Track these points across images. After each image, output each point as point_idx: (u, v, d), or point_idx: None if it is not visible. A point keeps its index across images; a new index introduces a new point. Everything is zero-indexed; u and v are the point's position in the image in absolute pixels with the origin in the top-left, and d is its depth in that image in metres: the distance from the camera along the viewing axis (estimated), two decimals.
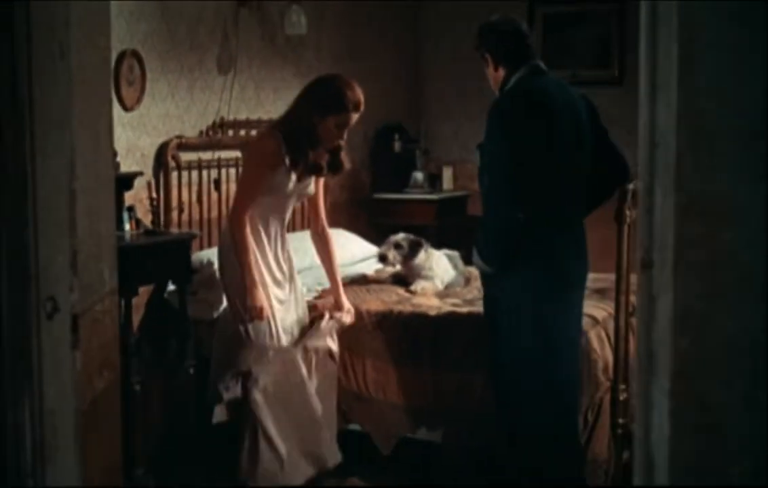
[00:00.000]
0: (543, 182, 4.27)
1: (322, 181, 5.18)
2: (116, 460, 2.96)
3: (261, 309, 4.84)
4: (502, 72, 4.45)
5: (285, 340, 4.96)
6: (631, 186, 4.66)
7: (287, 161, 4.82)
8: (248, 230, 4.83)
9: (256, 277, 4.85)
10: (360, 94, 4.90)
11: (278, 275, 5.02)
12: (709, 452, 1.79)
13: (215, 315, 5.56)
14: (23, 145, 2.30)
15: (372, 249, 6.78)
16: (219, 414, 5.19)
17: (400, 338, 5.19)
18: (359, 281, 5.99)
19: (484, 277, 4.57)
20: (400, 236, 5.81)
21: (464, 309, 5.28)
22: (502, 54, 4.46)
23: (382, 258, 5.82)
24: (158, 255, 5.13)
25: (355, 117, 4.92)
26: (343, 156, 5.09)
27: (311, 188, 5.09)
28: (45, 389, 2.37)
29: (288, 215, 5.09)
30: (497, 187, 4.26)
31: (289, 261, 5.10)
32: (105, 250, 2.85)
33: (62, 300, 2.42)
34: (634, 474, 1.92)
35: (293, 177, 4.89)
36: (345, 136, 4.97)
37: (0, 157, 2.30)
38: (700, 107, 1.78)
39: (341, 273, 5.54)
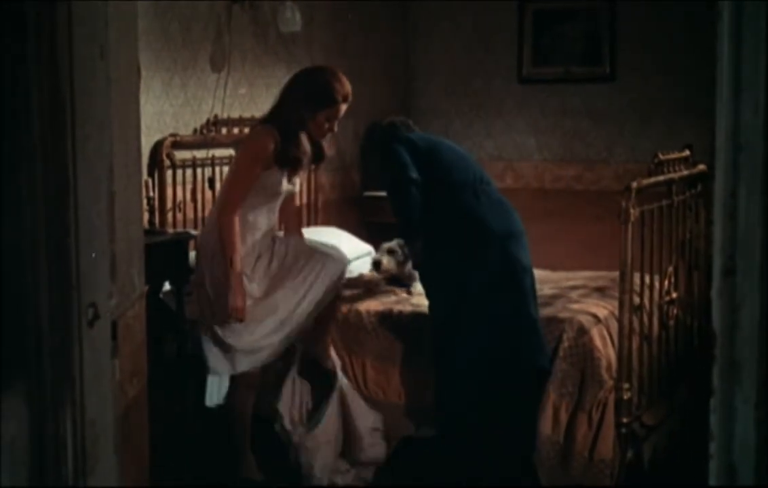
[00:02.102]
0: None
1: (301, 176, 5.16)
2: (146, 468, 2.91)
3: (242, 311, 4.75)
4: None
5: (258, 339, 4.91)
6: (634, 184, 4.66)
7: (282, 160, 4.76)
8: (237, 229, 4.73)
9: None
10: (348, 84, 4.85)
11: (260, 273, 4.92)
12: None
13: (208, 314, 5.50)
14: (65, 148, 2.23)
15: (364, 248, 6.73)
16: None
17: (400, 338, 5.18)
18: (356, 280, 5.95)
19: None
20: (394, 243, 5.75)
21: None
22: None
23: (377, 265, 5.75)
24: (155, 255, 5.04)
25: (344, 108, 4.86)
26: (325, 145, 5.02)
27: (296, 187, 5.06)
28: (86, 399, 2.30)
29: (271, 219, 4.97)
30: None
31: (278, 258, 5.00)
32: (135, 254, 2.79)
33: (103, 307, 2.35)
34: None
35: (285, 176, 4.85)
36: (336, 128, 4.91)
37: (40, 161, 2.22)
38: None
39: None
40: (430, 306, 5.08)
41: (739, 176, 1.82)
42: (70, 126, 2.26)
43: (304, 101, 4.81)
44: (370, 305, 5.37)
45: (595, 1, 7.56)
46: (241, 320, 4.76)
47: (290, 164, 4.79)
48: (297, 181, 5.01)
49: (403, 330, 5.19)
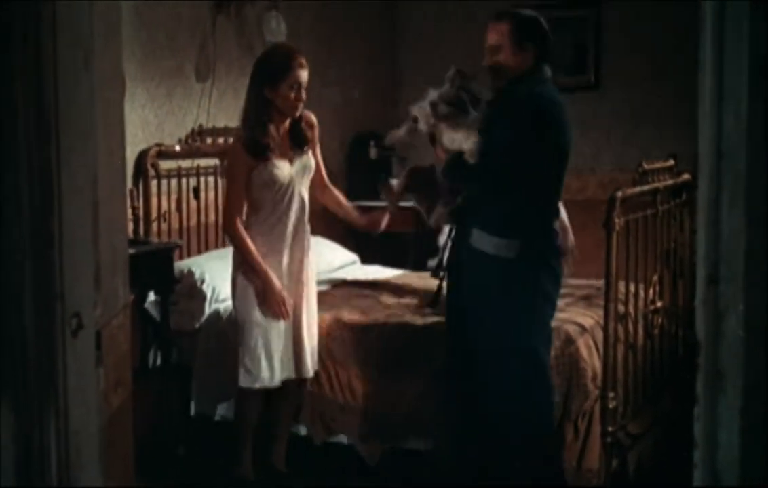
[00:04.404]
0: (553, 188, 4.57)
1: (317, 151, 5.09)
2: (131, 477, 2.90)
3: (283, 302, 4.82)
4: (524, 64, 4.54)
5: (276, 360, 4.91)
6: (619, 193, 4.67)
7: (253, 151, 4.78)
8: (242, 232, 4.79)
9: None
10: (296, 49, 4.97)
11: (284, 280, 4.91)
12: None
13: (197, 325, 5.50)
14: (49, 158, 2.22)
15: (350, 257, 6.75)
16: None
17: (383, 350, 5.18)
18: (339, 286, 5.96)
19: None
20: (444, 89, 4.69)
21: None
22: (540, 51, 4.57)
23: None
24: (141, 266, 5.05)
25: (303, 74, 4.85)
26: (304, 123, 4.98)
27: (309, 163, 4.99)
28: (70, 409, 2.29)
29: (297, 206, 4.92)
30: (509, 175, 4.39)
31: (300, 265, 4.98)
32: (119, 264, 2.78)
33: (87, 317, 2.35)
34: None
35: (283, 163, 4.84)
36: (303, 95, 4.86)
37: (24, 171, 2.21)
38: None
39: (322, 277, 5.51)
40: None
41: (722, 185, 1.83)
42: (54, 135, 2.25)
43: (261, 83, 4.84)
44: (353, 316, 5.38)
45: (580, 10, 7.59)
46: (285, 313, 4.83)
47: (261, 151, 4.78)
48: (306, 161, 4.97)
49: (386, 343, 5.20)
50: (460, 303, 4.63)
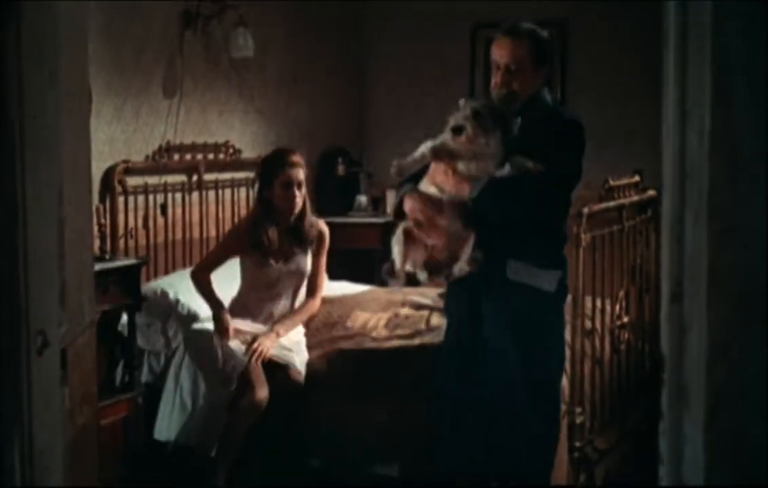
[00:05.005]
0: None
1: (321, 257, 5.37)
2: None
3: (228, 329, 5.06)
4: (536, 87, 4.16)
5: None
6: (585, 209, 4.70)
7: (251, 241, 5.12)
8: (204, 284, 5.17)
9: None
10: (291, 153, 5.24)
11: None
12: (746, 486, 1.77)
13: (173, 346, 5.48)
14: (14, 174, 2.21)
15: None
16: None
17: (348, 374, 5.16)
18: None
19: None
20: (477, 103, 4.10)
21: (415, 342, 5.23)
22: (549, 73, 4.43)
23: (458, 131, 3.98)
24: (107, 283, 5.03)
25: (295, 173, 5.13)
26: (307, 224, 5.23)
27: (304, 268, 5.26)
28: (35, 429, 2.27)
29: (286, 298, 5.27)
30: (560, 199, 4.10)
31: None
32: (85, 281, 2.77)
33: (52, 334, 2.33)
34: None
35: (276, 264, 5.14)
36: (297, 194, 5.13)
37: None
38: (735, 134, 1.76)
39: None
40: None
41: (686, 202, 1.84)
42: (20, 152, 2.24)
43: (261, 184, 5.25)
44: (322, 340, 5.37)
45: (546, 29, 7.61)
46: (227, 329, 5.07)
47: (257, 246, 5.10)
48: (299, 262, 5.23)
49: (351, 367, 5.19)
50: (478, 334, 4.16)
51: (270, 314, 5.23)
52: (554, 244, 4.15)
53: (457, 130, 3.97)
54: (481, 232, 4.03)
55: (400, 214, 4.21)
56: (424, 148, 4.08)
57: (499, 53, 4.14)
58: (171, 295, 5.55)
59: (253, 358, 4.95)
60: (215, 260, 5.30)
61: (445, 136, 4.02)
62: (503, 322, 4.09)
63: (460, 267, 4.09)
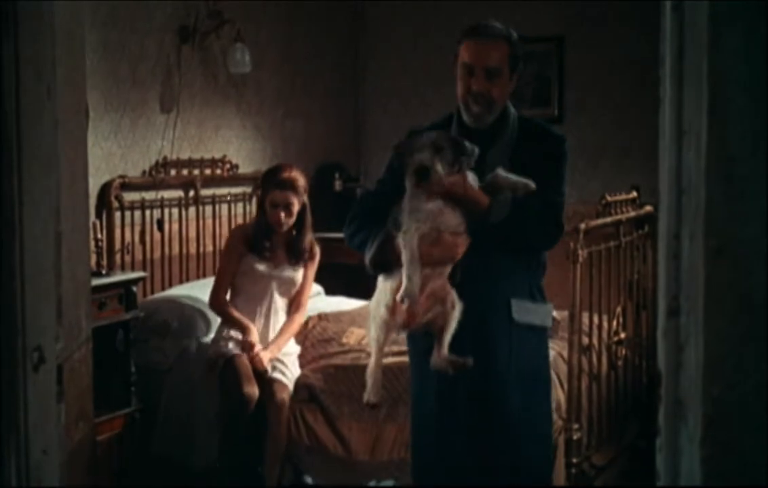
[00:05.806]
0: None
1: (309, 274, 5.47)
2: None
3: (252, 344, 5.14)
4: (508, 95, 3.68)
5: None
6: (582, 225, 4.70)
7: (251, 245, 5.25)
8: (225, 307, 5.27)
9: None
10: (288, 173, 5.27)
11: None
12: None
13: (170, 362, 5.48)
14: (10, 189, 2.20)
15: (315, 288, 6.70)
16: None
17: (344, 392, 5.15)
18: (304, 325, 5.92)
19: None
20: (431, 135, 3.51)
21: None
22: (520, 79, 3.80)
23: (423, 175, 3.33)
24: (104, 298, 5.03)
25: (280, 195, 5.21)
26: (306, 241, 5.37)
27: (293, 278, 5.36)
28: (31, 445, 2.26)
29: (274, 304, 5.34)
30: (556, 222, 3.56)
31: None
32: (82, 296, 2.76)
33: (48, 350, 2.32)
34: None
35: (268, 264, 5.27)
36: (282, 215, 5.22)
37: None
38: (731, 153, 1.76)
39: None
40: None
41: (682, 218, 1.84)
42: (17, 167, 2.23)
43: (261, 194, 5.45)
44: (317, 356, 5.38)
45: (542, 44, 7.64)
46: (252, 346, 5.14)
47: (256, 249, 5.26)
48: (288, 272, 5.35)
49: (347, 384, 5.19)
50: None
51: (256, 312, 5.33)
52: (541, 274, 3.72)
53: (422, 175, 3.32)
54: (483, 270, 3.49)
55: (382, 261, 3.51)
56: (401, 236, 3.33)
57: (476, 56, 3.57)
58: (167, 310, 5.55)
59: (250, 360, 5.02)
60: (224, 274, 5.35)
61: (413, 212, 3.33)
62: (511, 372, 3.57)
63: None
